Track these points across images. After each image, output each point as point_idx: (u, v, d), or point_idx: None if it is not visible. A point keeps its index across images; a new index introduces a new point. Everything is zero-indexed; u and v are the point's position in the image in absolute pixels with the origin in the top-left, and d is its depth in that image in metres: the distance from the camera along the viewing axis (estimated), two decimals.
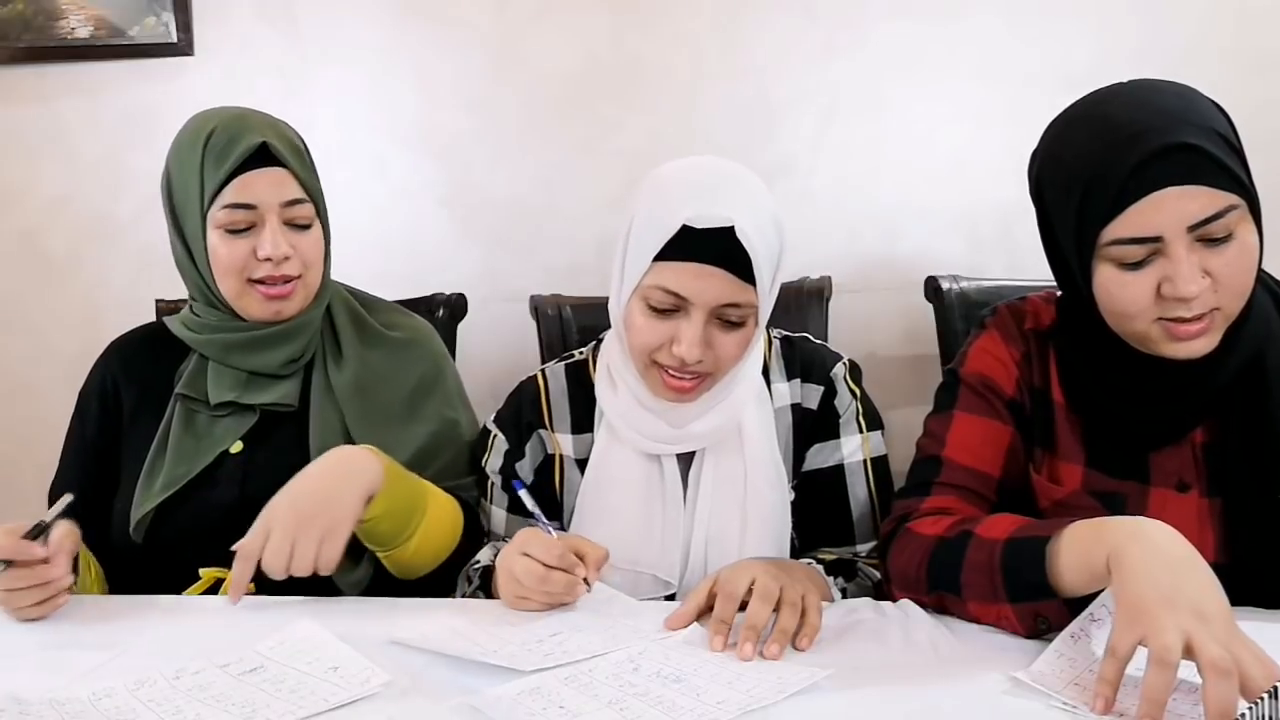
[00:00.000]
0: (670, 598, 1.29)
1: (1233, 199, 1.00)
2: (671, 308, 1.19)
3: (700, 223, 1.16)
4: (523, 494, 1.14)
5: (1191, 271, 1.00)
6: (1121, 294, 1.04)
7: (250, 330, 1.35)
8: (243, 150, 1.28)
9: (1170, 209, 1.00)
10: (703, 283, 1.17)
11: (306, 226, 1.34)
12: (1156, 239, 1.01)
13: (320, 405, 1.36)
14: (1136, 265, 1.03)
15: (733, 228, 1.15)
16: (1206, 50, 1.94)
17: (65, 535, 1.14)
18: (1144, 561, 0.88)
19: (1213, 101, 1.05)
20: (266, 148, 1.30)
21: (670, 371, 1.22)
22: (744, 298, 1.19)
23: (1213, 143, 1.00)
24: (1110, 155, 1.02)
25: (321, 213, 1.37)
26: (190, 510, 1.31)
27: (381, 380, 1.39)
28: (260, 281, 1.32)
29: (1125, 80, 1.09)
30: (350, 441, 1.30)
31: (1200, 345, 1.04)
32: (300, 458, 1.26)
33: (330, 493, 1.15)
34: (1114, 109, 1.05)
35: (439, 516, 1.27)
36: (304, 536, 1.10)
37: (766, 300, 1.23)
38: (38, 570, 1.10)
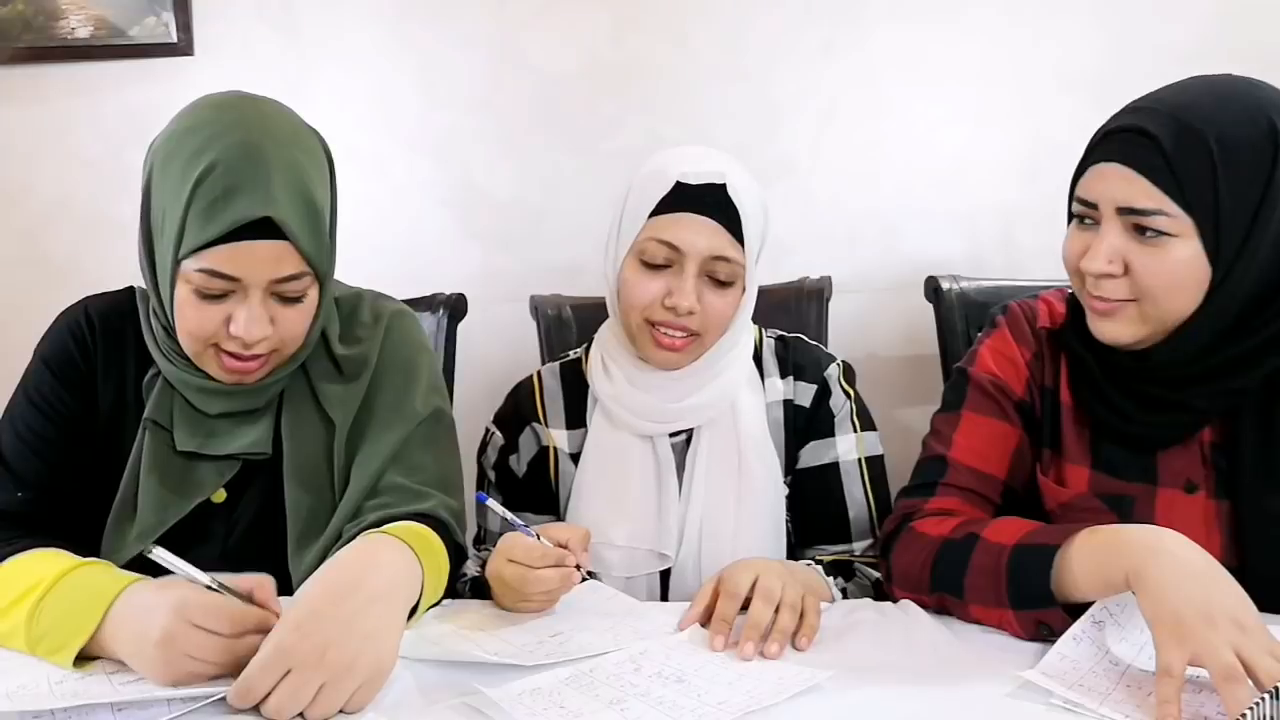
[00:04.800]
0: (666, 574, 1.31)
1: (1169, 206, 1.00)
2: (665, 262, 1.25)
3: (694, 179, 1.23)
4: (490, 503, 1.14)
5: (1104, 249, 1.04)
6: (1064, 248, 1.11)
7: (207, 378, 1.18)
8: (237, 219, 1.06)
9: (1105, 182, 1.04)
10: (695, 233, 1.23)
11: (297, 299, 1.14)
12: (1094, 205, 1.06)
13: (293, 448, 1.20)
14: (1082, 225, 1.08)
15: (725, 185, 1.23)
16: (1207, 50, 1.93)
17: None
18: (1170, 576, 0.88)
19: (1275, 130, 1.00)
20: (268, 218, 1.07)
21: (662, 329, 1.26)
22: (733, 254, 1.25)
23: (1183, 149, 0.99)
24: (1106, 123, 1.08)
25: (323, 274, 1.16)
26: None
27: (355, 398, 1.23)
28: (226, 350, 1.14)
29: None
30: (330, 477, 1.19)
31: (1111, 329, 1.07)
32: (282, 506, 1.18)
33: (374, 627, 0.88)
34: (1169, 88, 1.07)
35: (436, 568, 1.09)
36: (337, 685, 0.86)
37: (753, 268, 1.28)
38: None
